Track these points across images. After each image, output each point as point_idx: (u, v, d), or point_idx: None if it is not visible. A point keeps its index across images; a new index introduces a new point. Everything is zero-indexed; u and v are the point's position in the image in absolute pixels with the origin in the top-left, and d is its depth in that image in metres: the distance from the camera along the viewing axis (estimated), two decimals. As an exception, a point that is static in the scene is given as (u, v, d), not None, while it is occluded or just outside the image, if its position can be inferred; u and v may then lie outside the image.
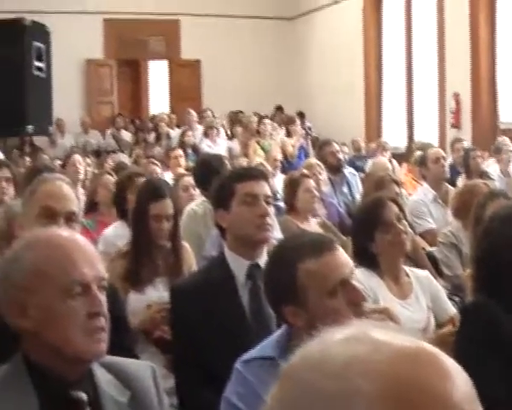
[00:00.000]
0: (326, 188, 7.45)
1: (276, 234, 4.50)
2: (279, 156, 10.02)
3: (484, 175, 8.29)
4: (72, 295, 1.98)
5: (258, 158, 9.75)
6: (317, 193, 6.06)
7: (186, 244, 4.38)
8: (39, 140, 14.54)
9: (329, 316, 2.21)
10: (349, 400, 0.85)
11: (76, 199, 3.12)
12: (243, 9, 17.45)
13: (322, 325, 0.96)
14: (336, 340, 0.92)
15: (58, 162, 9.94)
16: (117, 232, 5.10)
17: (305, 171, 6.67)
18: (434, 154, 7.27)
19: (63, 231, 2.17)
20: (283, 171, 10.10)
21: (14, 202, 4.10)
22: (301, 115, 16.03)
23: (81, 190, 7.16)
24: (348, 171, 8.59)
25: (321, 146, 8.83)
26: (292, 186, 6.06)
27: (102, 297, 2.04)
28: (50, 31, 14.09)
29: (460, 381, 0.89)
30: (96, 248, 2.55)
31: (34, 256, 2.01)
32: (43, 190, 3.03)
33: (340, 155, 8.57)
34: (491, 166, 9.61)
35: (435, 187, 6.90)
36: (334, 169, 8.29)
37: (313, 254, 2.34)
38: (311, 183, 6.07)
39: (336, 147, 8.44)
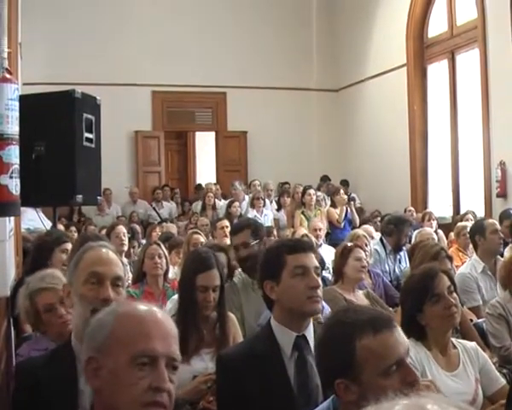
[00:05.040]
0: (372, 259, 7.44)
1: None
2: (321, 226, 10.03)
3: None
4: (139, 365, 2.03)
5: (302, 229, 9.76)
6: (365, 264, 6.08)
7: (231, 315, 4.39)
8: (87, 209, 14.74)
9: (382, 394, 2.20)
10: None
11: (121, 264, 3.17)
12: (288, 82, 17.65)
13: (373, 401, 0.97)
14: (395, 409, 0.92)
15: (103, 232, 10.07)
16: None
17: (350, 241, 6.71)
18: (493, 225, 7.20)
19: (145, 305, 2.22)
20: (330, 241, 10.11)
21: (31, 279, 4.17)
22: (344, 184, 16.06)
23: (125, 260, 7.21)
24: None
25: (397, 222, 8.81)
26: (343, 255, 6.10)
27: (171, 375, 2.08)
28: (100, 102, 14.44)
29: None
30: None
31: (114, 323, 2.10)
32: (90, 256, 3.09)
33: (407, 239, 8.63)
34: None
35: (486, 258, 6.80)
36: (399, 248, 8.35)
37: (373, 331, 2.34)
38: (362, 253, 6.12)
39: (410, 231, 8.51)
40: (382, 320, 2.40)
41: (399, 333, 2.39)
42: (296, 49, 17.89)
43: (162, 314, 2.19)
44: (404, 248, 8.55)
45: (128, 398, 2.00)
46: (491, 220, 7.47)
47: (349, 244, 6.40)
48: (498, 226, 7.22)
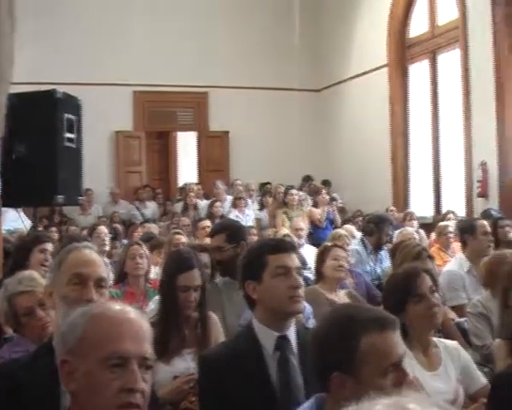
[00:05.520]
0: (353, 259, 7.45)
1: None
2: (303, 226, 10.03)
3: (511, 244, 8.24)
4: (111, 366, 2.02)
5: (284, 229, 9.77)
6: (344, 263, 6.09)
7: (213, 315, 4.39)
8: (70, 209, 14.68)
9: (375, 392, 2.20)
10: None
11: (104, 265, 3.16)
12: (270, 82, 17.65)
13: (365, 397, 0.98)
14: (376, 408, 0.93)
15: (84, 232, 10.04)
16: None
17: (331, 241, 6.73)
18: (484, 226, 7.18)
19: (118, 305, 2.23)
20: (312, 241, 10.12)
21: (9, 281, 4.15)
22: (326, 183, 16.09)
23: (106, 260, 7.18)
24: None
25: (377, 221, 8.82)
26: (321, 255, 6.14)
27: (144, 375, 2.06)
28: (81, 102, 14.41)
29: None
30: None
31: (85, 325, 2.10)
32: (73, 257, 3.07)
33: (390, 237, 8.63)
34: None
35: (474, 258, 6.80)
36: (378, 247, 8.35)
37: (379, 329, 2.36)
38: (340, 252, 6.12)
39: (390, 230, 8.52)
40: (388, 320, 2.42)
41: (399, 335, 2.42)
42: (278, 49, 17.89)
43: (134, 314, 2.18)
44: (385, 247, 8.57)
45: (102, 400, 2.00)
46: (482, 221, 7.47)
47: (327, 244, 6.42)
48: (489, 228, 7.22)
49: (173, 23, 17.05)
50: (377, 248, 8.52)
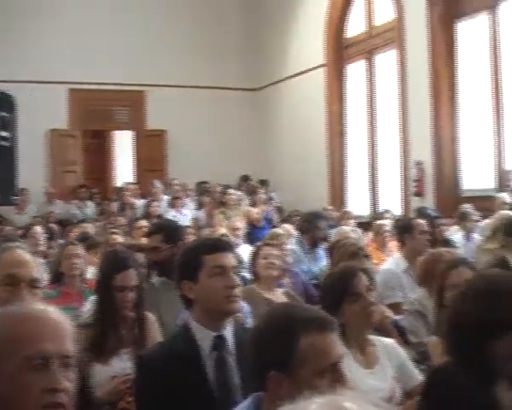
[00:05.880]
0: (295, 258, 7.47)
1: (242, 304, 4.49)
2: (240, 226, 10.03)
3: (447, 243, 8.35)
4: (31, 367, 1.98)
5: (222, 228, 9.75)
6: (276, 261, 6.09)
7: (150, 315, 4.36)
8: (5, 209, 14.47)
9: (312, 392, 2.19)
10: None
11: (37, 266, 3.12)
12: (208, 81, 17.62)
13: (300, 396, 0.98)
14: (311, 409, 0.94)
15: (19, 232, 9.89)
16: None
17: (269, 240, 6.74)
18: (422, 225, 7.25)
19: (37, 304, 2.18)
20: (250, 240, 10.11)
21: None
22: (263, 183, 16.13)
23: (41, 260, 7.08)
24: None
25: (310, 217, 8.84)
26: (254, 255, 6.16)
27: (66, 373, 2.02)
28: (15, 100, 14.19)
29: None
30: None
31: (4, 325, 2.05)
32: (5, 258, 3.03)
33: (324, 233, 8.64)
34: (454, 233, 9.69)
35: (411, 257, 6.85)
36: (313, 243, 8.36)
37: (318, 330, 2.35)
38: (272, 251, 6.14)
39: (324, 223, 8.52)
40: (327, 321, 2.41)
41: (338, 336, 2.41)
42: (216, 47, 17.87)
43: (55, 313, 2.14)
44: (321, 246, 8.60)
45: (26, 402, 1.96)
46: (419, 220, 7.55)
47: (259, 244, 6.46)
48: (426, 227, 7.29)
49: (110, 21, 16.91)
50: (313, 245, 8.54)
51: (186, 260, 3.38)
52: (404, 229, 7.28)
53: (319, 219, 8.73)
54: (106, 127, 18.28)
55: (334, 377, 2.32)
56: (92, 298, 4.98)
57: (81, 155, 17.40)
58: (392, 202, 13.41)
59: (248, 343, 2.53)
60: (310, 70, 16.06)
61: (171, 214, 12.89)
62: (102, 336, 4.04)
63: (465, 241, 9.49)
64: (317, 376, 2.30)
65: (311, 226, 8.63)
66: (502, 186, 11.04)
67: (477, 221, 9.89)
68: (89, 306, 5.09)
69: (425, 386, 2.99)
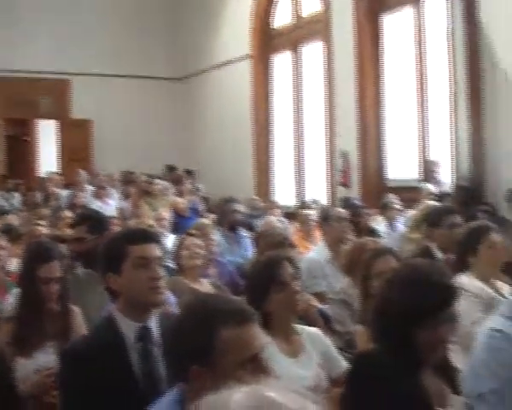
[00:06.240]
0: (217, 248, 7.46)
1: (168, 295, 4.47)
2: (167, 216, 9.98)
3: (372, 232, 8.45)
4: None
5: (148, 219, 9.68)
6: (200, 251, 6.09)
7: (75, 307, 4.31)
8: None
9: (234, 382, 2.18)
10: None
11: None
12: (135, 70, 17.50)
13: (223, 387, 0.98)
14: (234, 398, 0.95)
15: None
16: None
17: (194, 230, 6.73)
18: (339, 213, 7.36)
19: None
20: (176, 231, 10.06)
21: None
22: (189, 173, 16.09)
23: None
24: (240, 230, 8.66)
25: (221, 203, 8.86)
26: (178, 246, 6.15)
27: None
28: None
29: None
30: None
31: None
32: None
33: (239, 215, 8.65)
34: (379, 223, 9.82)
35: (333, 246, 6.94)
36: (231, 227, 8.35)
37: (237, 321, 2.32)
38: (194, 241, 6.15)
39: (237, 205, 8.51)
40: (247, 312, 2.39)
41: (258, 327, 2.39)
42: (142, 36, 17.75)
43: None
44: (245, 234, 8.62)
45: None
46: (338, 209, 7.64)
47: (182, 235, 6.46)
48: (345, 215, 7.39)
49: (35, 7, 16.64)
50: (232, 230, 8.53)
51: (109, 251, 3.33)
52: (322, 218, 7.39)
53: (227, 203, 8.73)
54: (29, 116, 17.97)
55: (256, 367, 2.31)
56: (15, 291, 4.90)
57: (4, 145, 17.09)
58: (319, 193, 13.51)
59: (168, 334, 2.51)
60: (236, 60, 16.05)
61: (96, 205, 12.74)
62: (26, 329, 3.99)
63: (389, 230, 9.62)
64: (239, 367, 2.28)
65: (222, 212, 8.65)
66: (426, 176, 11.20)
67: (400, 211, 10.04)
68: (11, 299, 5.00)
69: (350, 373, 3.02)
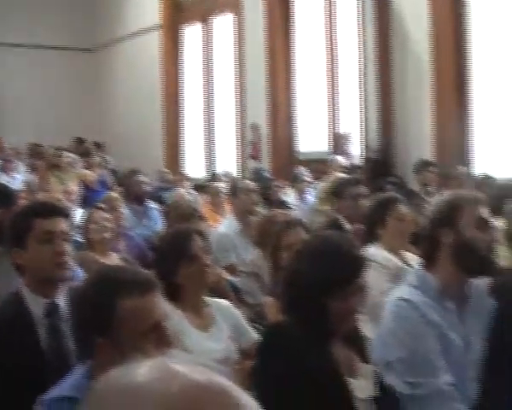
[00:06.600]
0: (126, 221, 7.38)
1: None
2: (75, 189, 9.82)
3: (282, 204, 8.50)
4: None
5: (56, 192, 9.50)
6: (108, 224, 6.02)
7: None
8: None
9: (137, 355, 2.17)
10: None
11: None
12: (41, 40, 17.16)
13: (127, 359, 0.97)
14: (137, 372, 0.93)
15: None
16: None
17: (102, 204, 6.65)
18: (247, 185, 7.38)
19: None
20: (85, 204, 9.92)
21: None
22: (98, 146, 15.89)
23: None
24: (149, 203, 8.61)
25: (126, 175, 8.79)
26: (85, 221, 6.08)
27: None
28: None
29: None
30: None
31: None
32: None
33: (145, 186, 8.59)
34: (289, 195, 9.87)
35: (242, 218, 6.97)
36: (138, 200, 8.28)
37: (136, 292, 2.31)
38: (102, 214, 6.07)
39: (142, 177, 8.45)
40: (148, 282, 2.38)
41: (160, 297, 2.39)
42: (50, 6, 17.38)
43: None
44: (154, 207, 8.57)
45: None
46: (245, 181, 7.67)
47: (90, 210, 6.38)
48: (253, 187, 7.42)
49: None
50: (139, 202, 8.47)
51: (14, 225, 3.28)
52: (231, 191, 7.43)
53: (138, 176, 8.68)
54: None
55: (159, 338, 2.30)
56: None
57: None
58: (229, 165, 13.52)
59: (72, 308, 2.49)
60: (146, 31, 15.88)
61: (2, 178, 12.47)
62: None
63: (299, 203, 9.69)
64: (142, 338, 2.28)
65: (126, 184, 8.58)
66: (336, 149, 11.31)
67: (310, 183, 10.12)
68: None
69: (260, 344, 3.03)
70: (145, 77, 15.83)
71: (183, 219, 5.63)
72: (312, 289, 2.75)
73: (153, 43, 15.57)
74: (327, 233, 3.60)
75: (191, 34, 15.36)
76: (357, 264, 2.81)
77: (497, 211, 4.39)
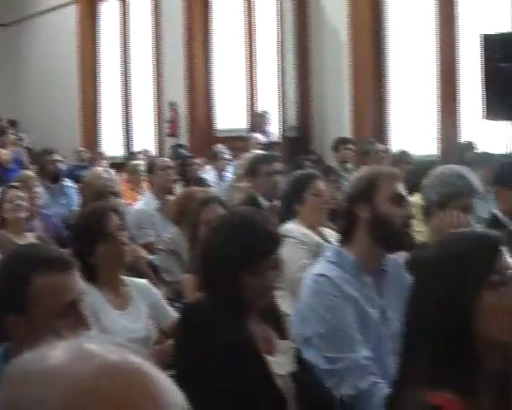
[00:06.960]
0: (41, 200, 7.27)
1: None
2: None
3: (201, 182, 8.47)
4: None
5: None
6: (23, 203, 5.92)
7: None
8: None
9: (52, 334, 2.12)
10: (38, 406, 0.86)
11: None
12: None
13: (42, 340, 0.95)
14: (51, 354, 0.91)
15: None
16: None
17: (17, 183, 6.53)
18: (164, 162, 7.36)
19: None
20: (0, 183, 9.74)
21: None
22: (12, 123, 15.56)
23: None
24: (65, 181, 8.51)
25: (40, 154, 8.67)
26: (0, 198, 5.96)
27: None
28: None
29: (166, 399, 0.88)
30: None
31: None
32: None
33: (60, 165, 8.48)
34: (207, 172, 9.86)
35: (160, 195, 6.95)
36: (53, 179, 8.17)
37: (50, 269, 2.27)
38: (17, 193, 5.97)
39: (56, 156, 8.34)
40: (62, 260, 2.35)
41: (75, 275, 2.35)
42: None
43: None
44: (70, 185, 8.48)
45: None
46: (162, 158, 7.66)
47: (5, 188, 6.27)
48: (170, 164, 7.42)
49: None
50: (54, 181, 8.36)
51: None
52: (148, 168, 7.42)
53: (52, 154, 8.57)
54: None
55: (74, 317, 2.27)
56: None
57: None
58: (147, 143, 13.42)
59: None
60: (61, 6, 15.58)
61: None
62: None
63: (217, 180, 9.68)
64: (55, 317, 2.24)
65: (45, 162, 8.48)
66: (254, 127, 11.33)
67: (229, 161, 10.11)
68: None
69: (179, 322, 3.01)
70: (61, 53, 15.54)
71: (98, 197, 5.58)
72: (227, 264, 2.74)
73: (69, 19, 15.29)
74: (242, 209, 3.60)
75: (108, 10, 15.15)
76: (272, 239, 2.81)
77: (414, 187, 4.45)
